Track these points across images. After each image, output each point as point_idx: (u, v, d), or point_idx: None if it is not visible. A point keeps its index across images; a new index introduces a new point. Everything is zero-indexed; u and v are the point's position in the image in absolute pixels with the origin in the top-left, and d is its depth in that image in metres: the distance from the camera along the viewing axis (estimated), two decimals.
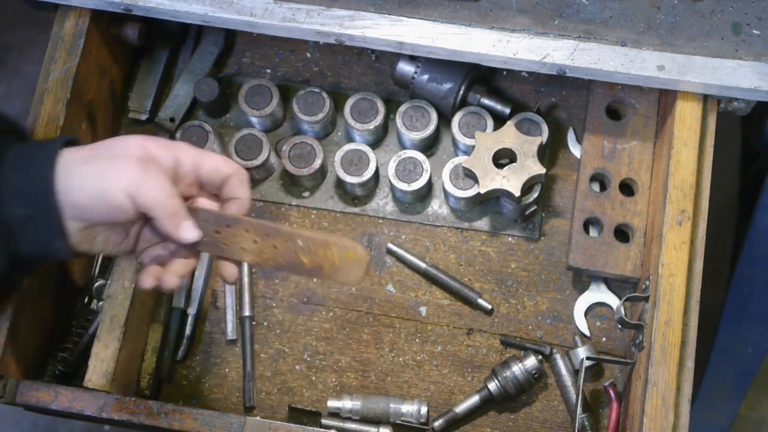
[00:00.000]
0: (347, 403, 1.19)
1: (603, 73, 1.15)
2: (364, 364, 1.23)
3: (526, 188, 1.20)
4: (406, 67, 1.25)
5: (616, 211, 1.20)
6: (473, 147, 1.21)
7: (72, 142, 0.98)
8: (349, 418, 1.19)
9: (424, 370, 1.23)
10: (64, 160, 0.94)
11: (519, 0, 1.17)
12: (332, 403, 1.19)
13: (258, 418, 1.06)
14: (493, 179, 1.19)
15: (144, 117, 1.31)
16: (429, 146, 1.29)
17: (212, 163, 0.98)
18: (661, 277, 1.09)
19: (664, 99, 1.22)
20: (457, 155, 1.28)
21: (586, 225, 1.21)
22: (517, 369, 1.17)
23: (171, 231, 0.96)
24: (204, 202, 0.99)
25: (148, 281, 0.98)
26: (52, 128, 1.15)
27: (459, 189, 1.23)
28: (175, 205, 0.95)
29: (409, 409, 1.18)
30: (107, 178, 0.93)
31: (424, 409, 1.18)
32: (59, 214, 0.94)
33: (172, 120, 1.30)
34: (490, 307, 1.23)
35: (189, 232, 0.96)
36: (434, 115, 1.26)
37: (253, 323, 1.24)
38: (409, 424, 1.18)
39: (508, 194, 1.19)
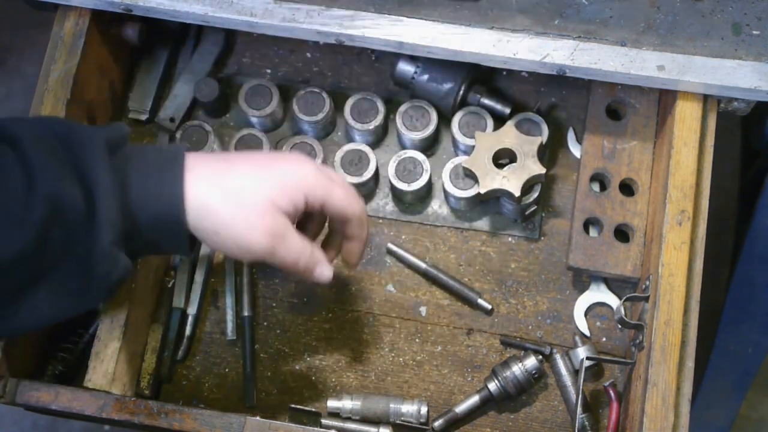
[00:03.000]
0: (347, 403, 1.19)
1: (603, 73, 1.15)
2: (364, 364, 1.23)
3: (526, 188, 1.20)
4: (406, 67, 1.25)
5: (616, 211, 1.20)
6: (473, 147, 1.21)
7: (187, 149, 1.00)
8: (349, 418, 1.19)
9: (424, 370, 1.23)
10: (194, 188, 0.95)
11: (519, 0, 1.17)
12: (332, 403, 1.19)
13: (258, 418, 1.07)
14: (493, 179, 1.19)
15: (144, 117, 1.31)
16: (429, 146, 1.29)
17: (339, 204, 1.03)
18: (661, 277, 1.09)
19: (664, 99, 1.22)
20: (457, 155, 1.28)
21: (586, 225, 1.21)
22: (517, 369, 1.17)
23: (308, 278, 1.03)
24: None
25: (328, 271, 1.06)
26: None
27: (459, 189, 1.23)
28: (308, 258, 1.02)
29: (409, 409, 1.18)
30: (243, 232, 0.97)
31: (424, 409, 1.18)
32: (187, 233, 0.97)
33: (172, 120, 1.30)
34: (490, 307, 1.23)
35: (324, 276, 1.04)
36: (434, 115, 1.26)
37: (253, 323, 1.24)
38: (409, 424, 1.18)
39: (508, 194, 1.19)
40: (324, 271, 1.04)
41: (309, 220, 1.09)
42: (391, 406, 1.18)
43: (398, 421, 1.18)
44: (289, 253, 0.99)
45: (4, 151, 0.90)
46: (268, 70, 1.34)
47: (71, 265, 0.91)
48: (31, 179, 0.88)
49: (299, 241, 1.00)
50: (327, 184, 1.01)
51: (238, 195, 0.97)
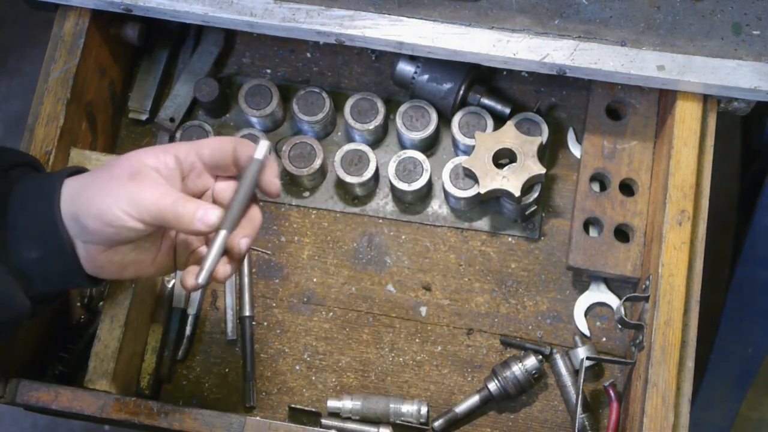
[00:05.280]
0: (347, 404, 1.19)
1: (603, 73, 1.15)
2: (364, 364, 1.23)
3: (526, 188, 1.20)
4: (406, 67, 1.25)
5: (616, 211, 1.20)
6: (473, 147, 1.21)
7: (79, 172, 0.98)
8: (349, 418, 1.19)
9: (424, 370, 1.23)
10: (69, 190, 0.94)
11: (519, 0, 1.17)
12: (332, 404, 1.19)
13: (258, 418, 1.06)
14: (493, 179, 1.19)
15: (144, 117, 1.31)
16: (429, 146, 1.29)
17: (211, 143, 0.96)
18: (661, 277, 1.09)
19: (664, 99, 1.22)
20: (457, 155, 1.28)
21: (586, 225, 1.21)
22: (517, 369, 1.17)
23: (188, 228, 0.92)
24: (221, 185, 0.98)
25: (190, 280, 0.94)
26: (52, 128, 1.15)
27: (459, 189, 1.23)
28: (177, 202, 0.91)
29: (409, 409, 1.18)
30: (103, 200, 0.91)
31: (424, 409, 1.18)
32: (71, 247, 0.94)
33: (172, 120, 1.30)
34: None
35: (205, 221, 0.91)
36: (434, 115, 1.26)
37: (253, 323, 1.24)
38: (409, 424, 1.18)
39: (508, 194, 1.19)
40: (197, 214, 0.91)
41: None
42: (391, 406, 1.18)
43: (398, 421, 1.18)
44: (152, 200, 0.91)
45: None
46: (268, 70, 1.34)
47: None
48: None
49: (160, 186, 0.92)
50: (194, 141, 0.97)
51: (105, 171, 0.94)
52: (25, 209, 0.95)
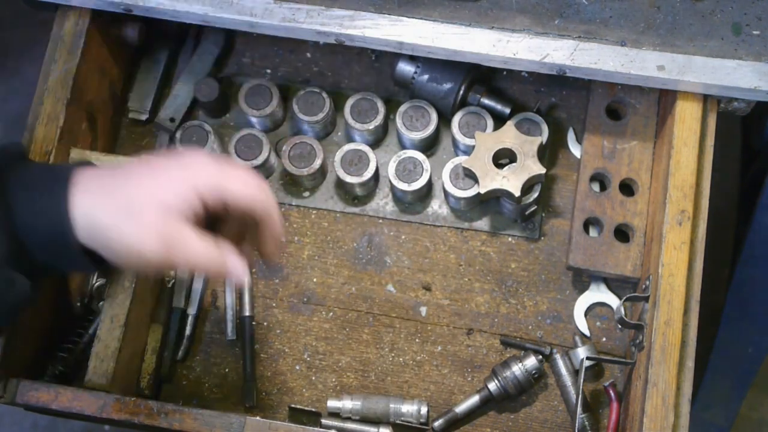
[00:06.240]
0: (347, 404, 1.19)
1: (603, 73, 1.15)
2: (364, 364, 1.23)
3: (526, 188, 1.20)
4: (406, 67, 1.25)
5: (616, 211, 1.20)
6: (473, 147, 1.21)
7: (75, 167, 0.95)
8: (349, 418, 1.19)
9: (424, 370, 1.23)
10: (80, 202, 0.91)
11: (519, 0, 1.17)
12: (332, 404, 1.19)
13: (258, 418, 1.06)
14: (493, 179, 1.19)
15: (144, 117, 1.31)
16: (429, 146, 1.29)
17: (237, 194, 0.94)
18: (661, 277, 1.09)
19: (664, 99, 1.22)
20: (457, 155, 1.28)
21: (586, 225, 1.21)
22: (517, 369, 1.17)
23: (217, 278, 0.97)
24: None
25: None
26: (52, 128, 1.15)
27: (459, 189, 1.23)
28: (215, 259, 0.93)
29: (409, 409, 1.18)
30: (134, 240, 0.91)
31: (424, 409, 1.18)
32: (85, 255, 0.93)
33: (172, 120, 1.30)
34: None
35: (236, 274, 0.96)
36: (434, 115, 1.26)
37: (253, 323, 1.24)
38: (409, 424, 1.18)
39: (508, 194, 1.19)
40: (236, 270, 0.95)
41: (224, 221, 1.01)
42: (391, 406, 1.18)
43: (398, 421, 1.18)
44: (189, 257, 0.92)
45: None
46: (268, 70, 1.34)
47: None
48: None
49: (200, 243, 0.92)
50: (220, 175, 0.94)
51: (126, 204, 0.91)
52: (34, 214, 0.92)
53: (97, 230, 0.91)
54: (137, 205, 0.91)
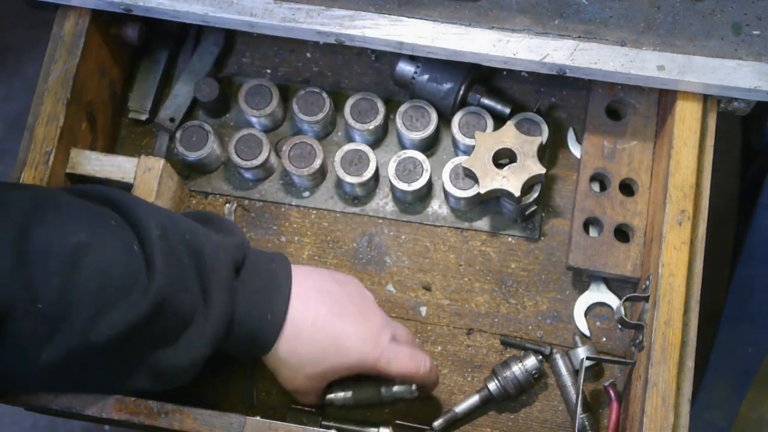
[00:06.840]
0: (339, 394, 1.16)
1: (603, 73, 1.15)
2: None
3: (526, 188, 1.20)
4: (406, 67, 1.25)
5: (616, 211, 1.20)
6: (473, 147, 1.21)
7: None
8: (346, 417, 1.19)
9: None
10: (292, 322, 1.08)
11: (519, 0, 1.17)
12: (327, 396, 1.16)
13: (258, 418, 1.06)
14: (493, 179, 1.19)
15: (144, 117, 1.31)
16: (429, 146, 1.29)
17: (402, 373, 1.13)
18: (661, 277, 1.09)
19: (664, 99, 1.22)
20: (457, 155, 1.28)
21: (586, 225, 1.21)
22: (517, 369, 1.17)
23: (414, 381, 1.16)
24: None
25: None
26: (52, 128, 1.15)
27: (459, 189, 1.23)
28: (428, 372, 1.14)
29: (399, 388, 1.16)
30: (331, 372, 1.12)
31: (414, 386, 1.16)
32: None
33: (172, 120, 1.30)
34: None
35: (426, 370, 1.14)
36: (434, 115, 1.26)
37: None
38: (410, 425, 1.18)
39: (508, 194, 1.19)
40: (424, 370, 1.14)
41: None
42: (383, 389, 1.16)
43: (398, 422, 1.18)
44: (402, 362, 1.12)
45: (130, 239, 0.97)
46: (268, 70, 1.34)
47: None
48: (151, 272, 0.96)
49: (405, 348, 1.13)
50: (400, 362, 1.12)
51: (331, 347, 1.10)
52: (249, 310, 1.06)
53: (301, 337, 1.09)
54: (342, 352, 1.11)
